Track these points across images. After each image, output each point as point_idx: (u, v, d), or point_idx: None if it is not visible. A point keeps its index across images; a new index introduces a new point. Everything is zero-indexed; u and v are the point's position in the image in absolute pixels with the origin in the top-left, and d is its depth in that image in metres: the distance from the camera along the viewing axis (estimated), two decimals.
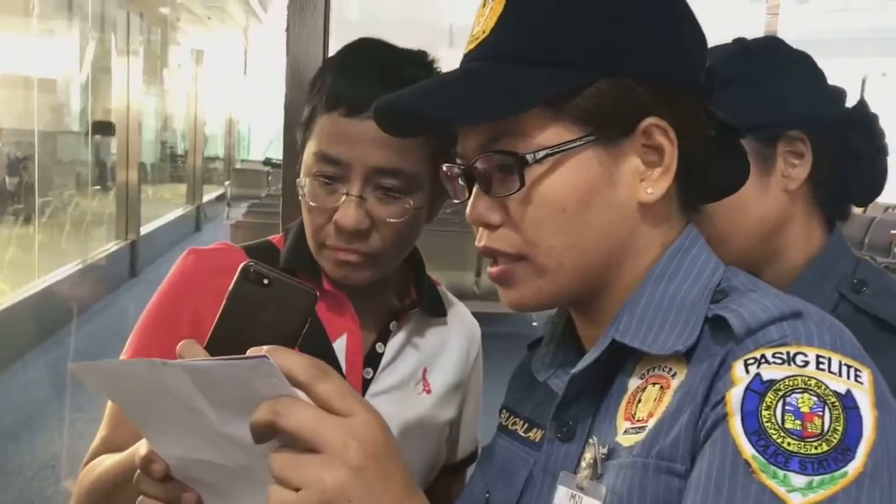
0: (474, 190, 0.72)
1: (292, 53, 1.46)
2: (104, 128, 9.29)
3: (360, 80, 0.96)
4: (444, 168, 0.75)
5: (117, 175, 9.30)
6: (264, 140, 20.99)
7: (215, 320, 0.67)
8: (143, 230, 9.50)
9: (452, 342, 1.17)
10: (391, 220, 0.97)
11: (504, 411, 0.87)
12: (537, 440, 0.78)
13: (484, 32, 0.70)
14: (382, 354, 1.08)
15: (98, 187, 9.53)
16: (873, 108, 1.10)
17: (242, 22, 14.83)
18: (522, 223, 0.69)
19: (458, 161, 0.74)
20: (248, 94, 20.51)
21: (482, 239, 0.72)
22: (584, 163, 0.67)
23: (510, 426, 0.84)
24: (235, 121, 20.75)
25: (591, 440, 0.69)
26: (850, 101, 1.10)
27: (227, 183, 15.78)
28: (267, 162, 17.10)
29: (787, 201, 1.04)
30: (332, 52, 1.47)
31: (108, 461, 0.96)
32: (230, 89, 19.36)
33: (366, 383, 1.07)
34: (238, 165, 19.45)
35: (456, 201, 0.78)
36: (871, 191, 1.09)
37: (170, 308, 1.04)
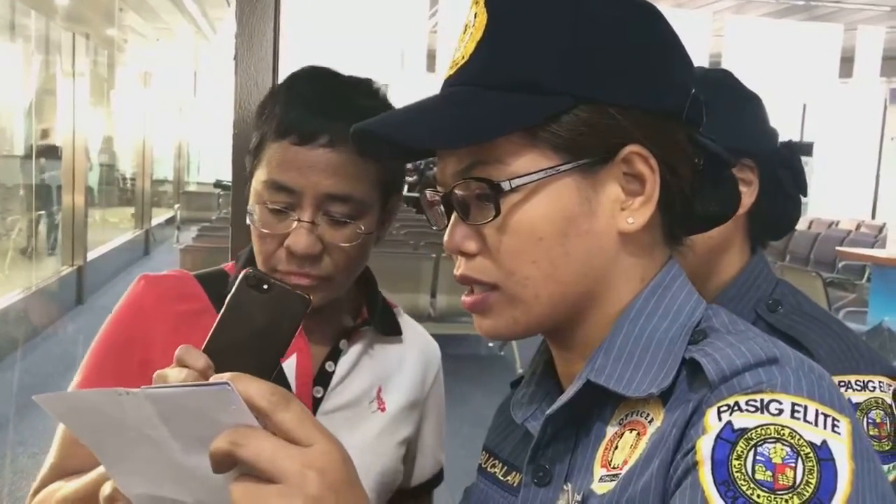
0: (452, 217, 0.70)
1: (241, 80, 1.45)
2: (49, 151, 9.10)
3: (310, 108, 0.97)
4: (427, 194, 0.74)
5: (63, 199, 9.10)
6: (214, 162, 20.78)
7: (216, 322, 0.70)
8: (90, 256, 9.29)
9: (408, 362, 1.18)
10: (343, 244, 0.99)
11: (484, 452, 0.85)
12: (515, 484, 0.76)
13: (463, 58, 0.69)
14: (333, 373, 1.09)
15: (43, 212, 9.31)
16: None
17: (191, 43, 14.69)
18: (499, 252, 0.67)
19: (437, 187, 0.72)
20: (197, 116, 20.30)
21: (459, 267, 0.70)
22: (561, 191, 0.66)
23: (489, 468, 0.82)
24: (185, 143, 20.48)
25: (565, 486, 0.67)
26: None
27: (176, 206, 15.54)
28: (217, 184, 16.92)
29: (731, 226, 1.10)
30: (282, 76, 1.46)
31: (67, 488, 0.95)
32: (179, 111, 19.14)
33: (316, 402, 1.07)
34: (189, 188, 19.20)
35: (435, 228, 0.77)
36: (787, 227, 1.18)
37: (122, 335, 1.05)
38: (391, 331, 1.17)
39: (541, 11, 0.67)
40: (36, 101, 8.95)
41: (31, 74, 8.76)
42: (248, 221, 1.01)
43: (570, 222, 0.66)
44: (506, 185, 0.65)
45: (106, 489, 0.70)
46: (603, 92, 0.66)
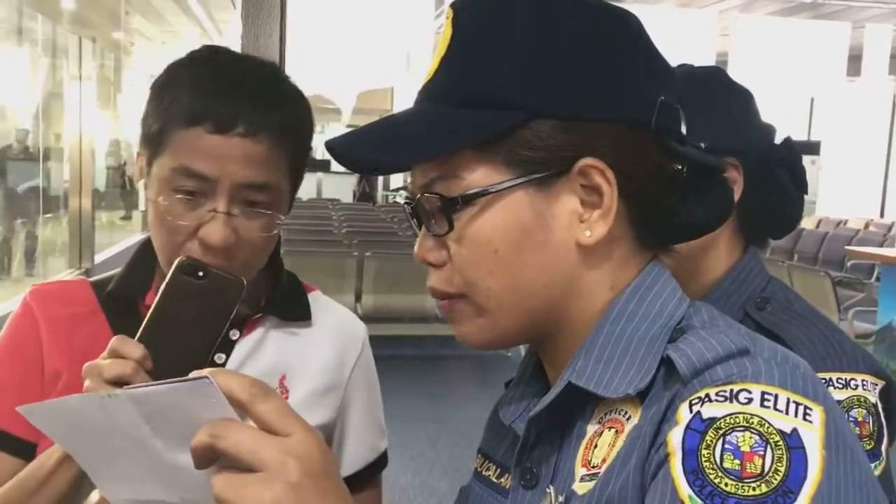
0: (422, 229, 0.72)
1: None
2: (53, 154, 9.15)
3: (222, 94, 0.95)
4: (404, 204, 0.75)
5: (70, 202, 9.13)
6: None
7: (150, 309, 0.69)
8: (98, 258, 9.32)
9: (320, 346, 1.14)
10: (261, 234, 0.96)
11: (479, 455, 0.85)
12: (507, 486, 0.76)
13: (430, 74, 0.71)
14: (223, 365, 1.05)
15: (50, 215, 9.35)
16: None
17: (197, 46, 14.72)
18: (460, 263, 0.69)
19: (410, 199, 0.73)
20: None
21: (430, 278, 0.72)
22: (513, 204, 0.66)
23: (484, 471, 0.82)
24: None
25: (548, 489, 0.67)
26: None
27: None
28: None
29: None
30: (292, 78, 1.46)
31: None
32: None
33: None
34: None
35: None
36: (788, 226, 1.16)
37: (16, 342, 1.06)
38: (298, 316, 1.13)
39: (498, 27, 0.67)
40: (43, 104, 9.00)
41: (38, 78, 8.80)
42: (151, 211, 0.95)
43: (524, 235, 0.67)
44: (458, 200, 0.66)
45: (94, 497, 0.70)
46: (559, 105, 0.66)
